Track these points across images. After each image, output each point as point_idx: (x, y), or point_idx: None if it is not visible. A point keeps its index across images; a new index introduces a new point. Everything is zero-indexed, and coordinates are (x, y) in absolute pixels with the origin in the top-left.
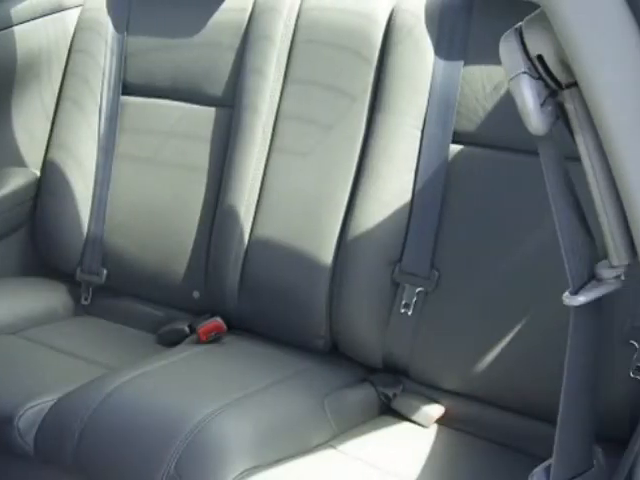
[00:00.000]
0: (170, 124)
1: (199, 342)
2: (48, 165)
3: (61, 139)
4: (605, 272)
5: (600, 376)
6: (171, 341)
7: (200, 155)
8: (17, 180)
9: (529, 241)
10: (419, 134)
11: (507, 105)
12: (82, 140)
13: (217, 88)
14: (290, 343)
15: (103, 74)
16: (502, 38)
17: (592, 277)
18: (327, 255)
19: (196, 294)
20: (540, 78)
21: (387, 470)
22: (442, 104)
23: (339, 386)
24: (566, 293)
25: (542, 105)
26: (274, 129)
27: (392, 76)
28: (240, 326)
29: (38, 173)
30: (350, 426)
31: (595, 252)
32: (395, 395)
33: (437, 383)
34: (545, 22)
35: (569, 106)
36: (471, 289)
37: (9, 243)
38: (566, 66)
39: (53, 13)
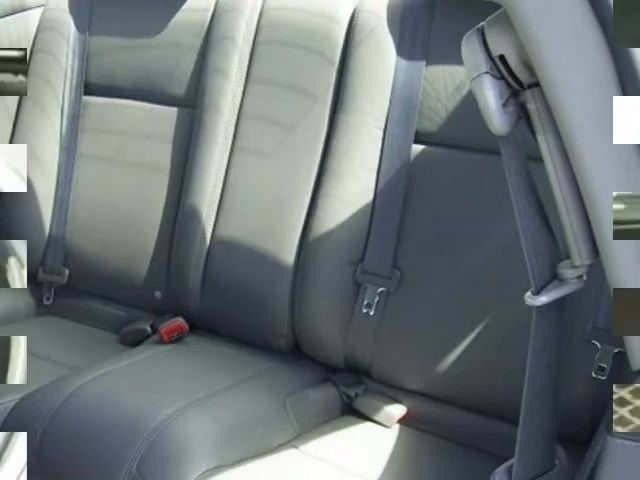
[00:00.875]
0: (132, 124)
1: (161, 342)
2: None
3: (23, 139)
4: (567, 272)
5: (562, 376)
6: (133, 341)
7: (162, 155)
8: None
9: (491, 241)
10: (381, 134)
11: (469, 105)
12: (44, 140)
13: (179, 88)
14: (252, 343)
15: (65, 74)
16: (464, 38)
17: (554, 277)
18: (289, 255)
19: (158, 294)
20: (502, 78)
21: (349, 470)
22: (404, 104)
23: (301, 386)
24: (528, 293)
25: (504, 105)
26: (236, 129)
27: (354, 76)
28: (202, 326)
29: None
30: (312, 426)
31: (557, 252)
32: (357, 395)
33: (399, 383)
34: (507, 22)
35: (531, 106)
36: (433, 289)
37: None
38: (528, 66)
39: (15, 13)
